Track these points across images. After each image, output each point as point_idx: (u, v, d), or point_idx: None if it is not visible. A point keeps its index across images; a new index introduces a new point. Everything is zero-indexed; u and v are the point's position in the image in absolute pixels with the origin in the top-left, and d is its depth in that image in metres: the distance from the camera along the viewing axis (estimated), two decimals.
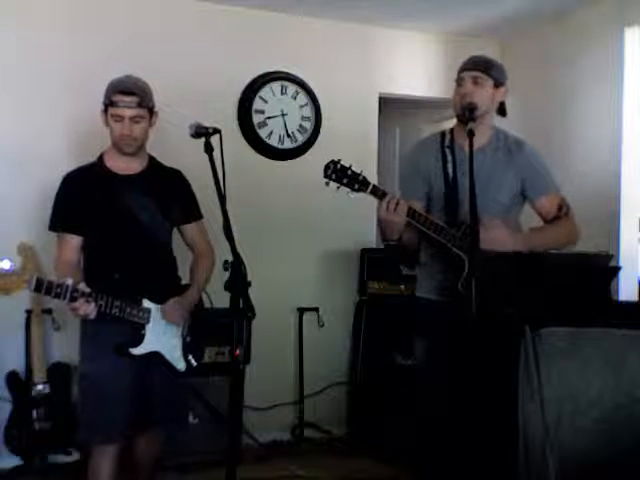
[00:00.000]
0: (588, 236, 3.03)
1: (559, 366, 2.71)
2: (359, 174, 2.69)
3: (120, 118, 2.85)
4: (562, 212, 2.92)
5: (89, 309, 2.69)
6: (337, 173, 2.67)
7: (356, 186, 2.68)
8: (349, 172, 2.67)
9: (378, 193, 2.70)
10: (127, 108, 2.84)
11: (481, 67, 2.89)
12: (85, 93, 4.16)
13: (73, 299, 2.65)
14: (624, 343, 2.79)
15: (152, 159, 3.08)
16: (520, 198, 3.00)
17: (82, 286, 2.69)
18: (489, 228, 2.72)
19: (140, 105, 2.86)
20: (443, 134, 3.01)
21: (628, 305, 3.64)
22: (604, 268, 2.87)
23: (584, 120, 4.46)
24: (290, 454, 4.47)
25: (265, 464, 4.24)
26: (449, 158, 2.90)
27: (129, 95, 2.83)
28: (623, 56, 4.20)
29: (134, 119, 2.86)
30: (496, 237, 2.74)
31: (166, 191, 3.02)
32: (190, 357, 3.04)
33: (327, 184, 2.68)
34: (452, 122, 3.07)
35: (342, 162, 2.69)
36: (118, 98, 2.83)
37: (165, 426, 3.06)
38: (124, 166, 2.96)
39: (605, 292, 2.85)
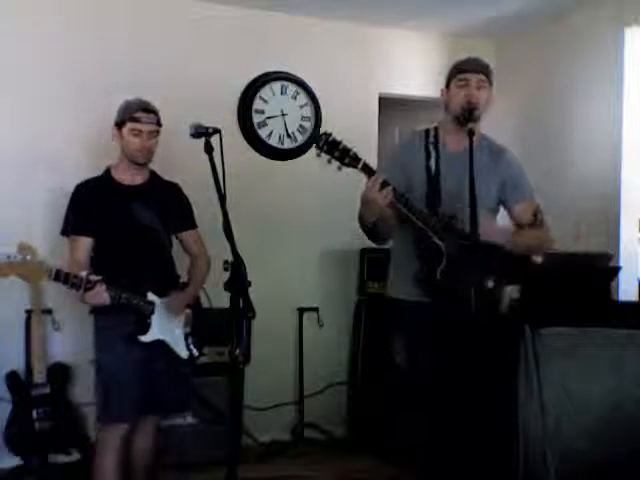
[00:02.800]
0: (588, 236, 3.03)
1: (559, 366, 2.72)
2: (350, 149, 2.67)
3: (140, 133, 3.14)
4: (537, 220, 2.94)
5: (104, 296, 2.99)
6: (328, 145, 2.65)
7: (347, 160, 2.66)
8: (340, 146, 2.66)
9: (369, 170, 2.70)
10: (148, 124, 3.15)
11: (485, 71, 2.93)
12: (87, 95, 4.19)
13: (87, 288, 2.95)
14: (624, 343, 2.80)
15: (153, 173, 3.34)
16: (498, 203, 3.04)
17: (94, 277, 2.99)
18: (482, 221, 2.71)
19: (157, 122, 3.19)
20: (427, 131, 3.03)
21: (628, 305, 3.64)
22: (604, 268, 2.88)
23: (584, 120, 4.46)
24: (290, 454, 4.47)
25: (265, 464, 4.25)
26: (432, 155, 2.93)
27: (150, 113, 3.17)
28: (623, 56, 4.20)
29: (151, 134, 3.17)
30: (486, 230, 2.74)
31: (165, 201, 3.30)
32: (192, 347, 3.27)
33: (318, 155, 2.66)
34: None
35: (334, 136, 2.66)
36: (140, 115, 3.15)
37: (171, 406, 3.33)
38: (129, 178, 3.25)
39: (605, 292, 2.85)
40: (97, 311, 3.11)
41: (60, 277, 2.94)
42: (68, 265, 3.12)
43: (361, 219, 2.85)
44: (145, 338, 3.12)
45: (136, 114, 3.14)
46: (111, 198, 3.19)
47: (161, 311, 3.18)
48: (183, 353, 3.24)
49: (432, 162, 2.91)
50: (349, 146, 2.68)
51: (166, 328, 3.19)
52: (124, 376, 3.06)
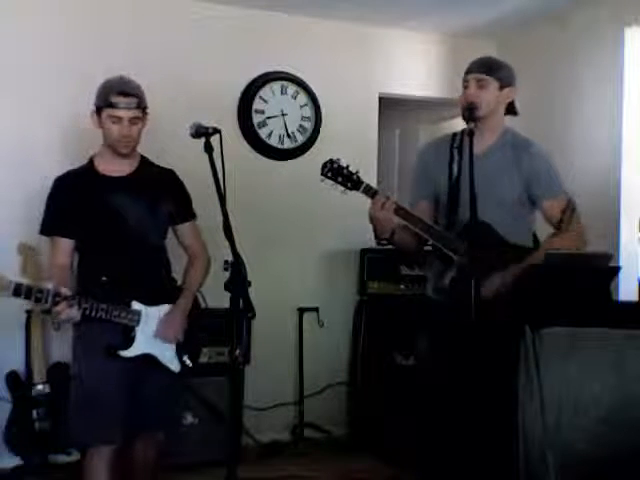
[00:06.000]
0: (588, 236, 3.02)
1: (559, 366, 2.72)
2: (354, 173, 2.78)
3: (118, 119, 2.84)
4: (566, 216, 2.90)
5: (72, 313, 2.72)
6: (333, 172, 2.78)
7: (349, 184, 2.78)
8: (344, 171, 2.78)
9: (369, 192, 2.78)
10: (127, 109, 2.83)
11: (485, 69, 2.88)
12: (85, 94, 4.17)
13: (55, 303, 2.68)
14: (624, 343, 2.79)
15: (143, 159, 3.05)
16: (528, 200, 2.97)
17: (64, 290, 2.71)
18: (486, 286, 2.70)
19: (138, 106, 2.87)
20: (454, 135, 3.00)
21: (628, 305, 3.64)
22: (604, 268, 2.87)
23: (584, 120, 4.46)
24: (290, 454, 4.47)
25: (265, 464, 4.24)
26: (455, 159, 2.90)
27: (128, 96, 2.84)
28: (623, 56, 4.20)
29: (132, 120, 2.85)
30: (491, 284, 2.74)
31: (158, 191, 3.00)
32: (185, 357, 3.01)
33: (322, 181, 2.80)
34: (452, 122, 3.08)
35: (340, 162, 2.79)
36: (118, 99, 2.82)
37: (155, 428, 3.04)
38: (115, 168, 2.95)
39: (605, 292, 2.84)
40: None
41: (20, 292, 2.65)
42: (49, 268, 2.93)
43: (375, 237, 2.90)
44: (127, 353, 2.85)
45: (113, 99, 2.81)
46: (94, 193, 2.90)
47: (148, 321, 2.91)
48: (174, 366, 2.97)
49: (454, 166, 2.90)
50: (353, 170, 2.79)
51: (153, 340, 2.92)
52: (102, 394, 2.79)
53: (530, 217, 3.02)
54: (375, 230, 2.85)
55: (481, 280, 2.62)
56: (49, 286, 2.69)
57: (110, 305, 2.80)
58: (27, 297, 2.67)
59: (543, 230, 3.04)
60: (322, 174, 2.79)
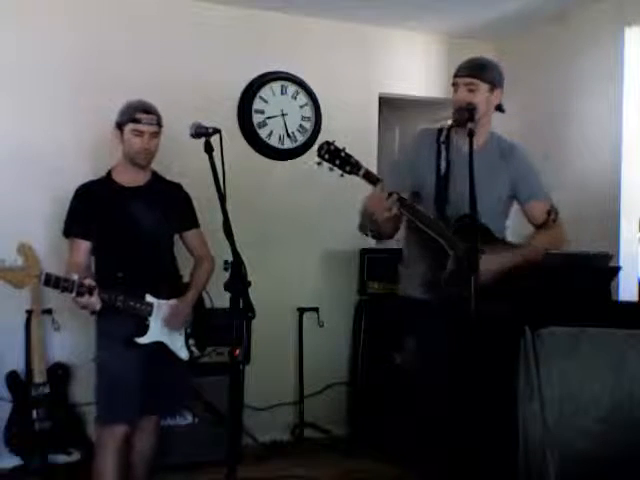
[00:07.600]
0: (588, 236, 3.03)
1: (559, 366, 2.72)
2: (351, 157, 2.69)
3: (141, 133, 3.17)
4: (550, 218, 2.95)
5: (92, 301, 2.99)
6: (330, 154, 2.68)
7: (347, 168, 2.69)
8: (342, 154, 2.69)
9: (371, 178, 2.71)
10: (149, 125, 3.18)
11: (474, 73, 2.87)
12: (87, 95, 4.19)
13: (79, 293, 2.96)
14: (624, 343, 2.79)
15: (155, 173, 3.36)
16: (510, 201, 3.03)
17: (88, 281, 2.99)
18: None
19: (158, 123, 3.22)
20: (440, 130, 3.00)
21: (628, 305, 3.64)
22: (604, 268, 2.87)
23: (584, 120, 4.46)
24: (290, 454, 4.47)
25: (265, 464, 4.24)
26: (443, 155, 2.91)
27: (150, 114, 3.20)
28: (623, 56, 4.21)
29: (152, 135, 3.20)
30: (488, 264, 2.72)
31: (168, 201, 3.31)
32: (192, 347, 3.31)
33: (319, 164, 2.69)
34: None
35: (336, 143, 2.69)
36: (141, 116, 3.17)
37: (168, 407, 3.40)
38: (131, 179, 3.27)
39: (605, 292, 2.85)
40: (99, 313, 3.11)
41: (50, 281, 2.96)
42: (67, 266, 3.17)
43: (363, 227, 2.89)
44: (142, 340, 3.15)
45: (137, 115, 3.17)
46: (111, 200, 3.21)
47: (160, 312, 3.20)
48: (183, 354, 3.28)
49: (442, 162, 2.89)
50: (350, 153, 2.70)
51: (165, 329, 3.22)
52: (122, 377, 3.08)
53: (507, 214, 3.08)
54: (364, 219, 2.82)
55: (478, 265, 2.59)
56: (74, 277, 2.98)
57: (127, 297, 3.10)
58: (55, 286, 2.97)
59: (520, 228, 3.07)
60: (319, 156, 2.68)
